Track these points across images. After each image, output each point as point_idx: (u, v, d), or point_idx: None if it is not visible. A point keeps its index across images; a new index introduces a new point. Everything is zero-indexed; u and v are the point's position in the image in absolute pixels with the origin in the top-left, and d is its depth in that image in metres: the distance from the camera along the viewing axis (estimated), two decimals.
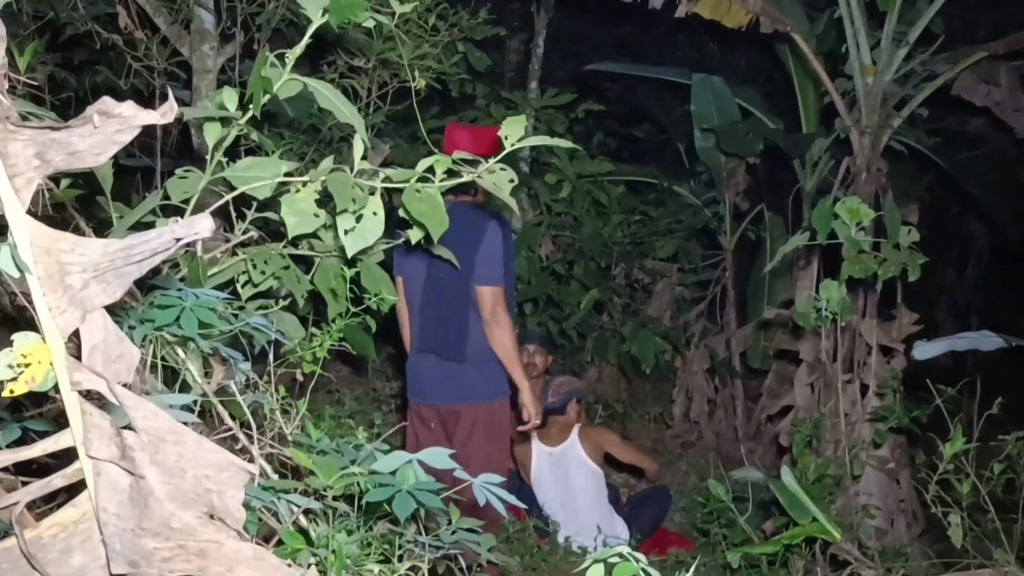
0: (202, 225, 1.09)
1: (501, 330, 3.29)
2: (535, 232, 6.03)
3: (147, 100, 4.11)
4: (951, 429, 2.79)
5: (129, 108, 0.92)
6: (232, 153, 2.16)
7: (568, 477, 4.37)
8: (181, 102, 4.14)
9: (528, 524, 4.12)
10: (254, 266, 2.20)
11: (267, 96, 1.87)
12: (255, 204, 2.14)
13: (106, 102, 0.92)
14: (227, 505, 1.03)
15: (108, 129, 0.93)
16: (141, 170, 4.49)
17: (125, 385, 1.06)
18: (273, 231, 2.38)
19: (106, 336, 1.04)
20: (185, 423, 1.77)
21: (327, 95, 1.92)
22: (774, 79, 7.54)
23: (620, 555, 1.23)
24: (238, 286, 2.29)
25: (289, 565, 1.00)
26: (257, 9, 3.87)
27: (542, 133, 6.23)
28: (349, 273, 2.17)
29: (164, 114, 0.95)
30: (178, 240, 1.09)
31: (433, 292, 3.36)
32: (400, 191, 1.94)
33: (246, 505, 1.67)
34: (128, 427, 1.00)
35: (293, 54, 1.87)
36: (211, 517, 1.02)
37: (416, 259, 3.31)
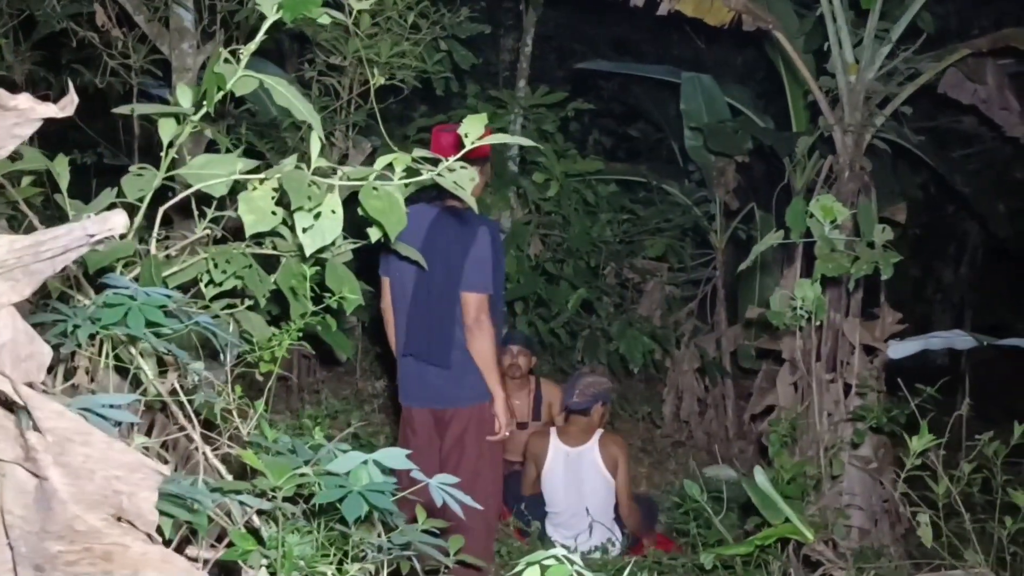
0: (116, 221, 1.07)
1: (483, 337, 3.28)
2: (524, 231, 6.01)
3: (126, 98, 4.09)
4: (934, 428, 2.76)
5: (25, 101, 0.90)
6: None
7: (580, 480, 4.31)
8: (161, 100, 4.12)
9: (508, 523, 4.09)
10: (215, 265, 2.18)
11: (220, 93, 1.85)
12: (215, 203, 2.12)
13: (0, 95, 0.90)
14: (139, 507, 1.01)
15: (6, 123, 0.91)
16: (127, 169, 4.47)
17: (35, 386, 1.04)
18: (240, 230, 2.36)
19: (15, 335, 1.02)
20: (132, 424, 1.75)
21: (283, 92, 1.90)
22: (770, 79, 7.53)
23: (556, 557, 1.21)
24: (202, 286, 2.28)
25: (191, 564, 0.98)
26: (236, 7, 3.84)
27: (531, 132, 6.22)
28: (310, 272, 2.15)
29: (63, 108, 0.93)
30: (91, 236, 1.07)
31: (422, 297, 3.34)
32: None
33: (190, 508, 1.65)
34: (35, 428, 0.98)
35: (247, 50, 1.85)
36: (119, 520, 1.00)
37: (405, 262, 3.23)
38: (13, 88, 4.04)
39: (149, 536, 1.00)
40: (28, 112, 0.90)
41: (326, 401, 4.67)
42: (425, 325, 3.33)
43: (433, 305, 3.31)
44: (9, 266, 1.00)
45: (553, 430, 4.44)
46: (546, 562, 1.22)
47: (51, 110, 0.91)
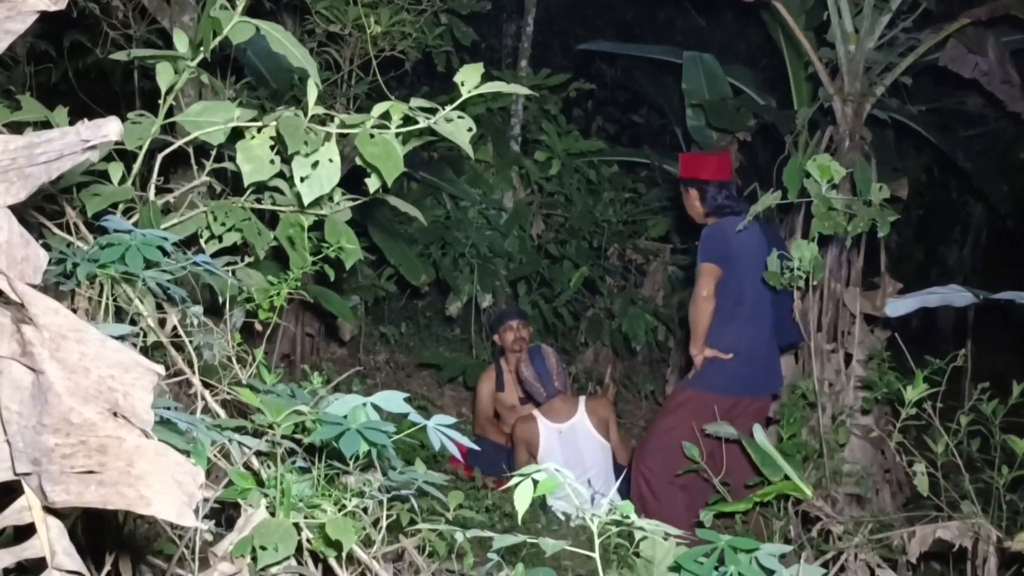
0: (110, 128, 1.08)
1: None
2: (526, 211, 6.02)
3: (127, 74, 4.11)
4: (934, 394, 2.76)
5: None
6: None
7: (580, 453, 4.29)
8: None
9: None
10: (215, 218, 2.19)
11: (216, 39, 1.87)
12: (213, 153, 2.14)
13: None
14: (134, 406, 1.02)
15: None
16: None
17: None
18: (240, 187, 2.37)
19: (10, 237, 1.04)
20: None
21: (279, 38, 1.91)
22: (772, 67, 7.52)
23: (546, 469, 1.23)
24: (202, 242, 2.29)
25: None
26: None
27: (533, 113, 6.23)
28: (308, 222, 2.16)
29: (56, 0, 0.94)
30: (86, 141, 1.08)
31: (767, 293, 3.79)
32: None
33: (192, 438, 1.66)
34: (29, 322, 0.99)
35: None
36: (115, 414, 1.01)
37: (754, 256, 3.67)
38: (16, 63, 4.03)
39: (144, 432, 1.02)
40: (20, 4, 0.91)
41: (330, 374, 4.68)
42: (769, 323, 3.91)
43: (771, 299, 3.86)
44: (4, 167, 1.01)
45: (536, 412, 4.37)
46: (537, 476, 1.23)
47: (43, 1, 0.92)
